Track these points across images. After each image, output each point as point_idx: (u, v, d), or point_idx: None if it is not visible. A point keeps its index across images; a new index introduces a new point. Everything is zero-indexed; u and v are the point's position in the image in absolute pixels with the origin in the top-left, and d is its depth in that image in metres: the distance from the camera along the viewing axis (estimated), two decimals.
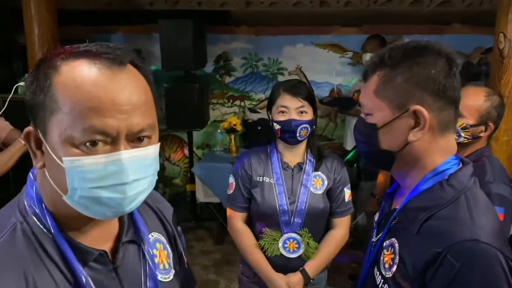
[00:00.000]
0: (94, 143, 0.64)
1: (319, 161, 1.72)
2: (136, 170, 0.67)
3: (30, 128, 0.69)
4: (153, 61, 4.36)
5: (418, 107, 0.84)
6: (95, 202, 0.67)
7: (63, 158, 0.64)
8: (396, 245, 0.89)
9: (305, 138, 1.68)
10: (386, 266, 0.89)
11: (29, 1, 2.78)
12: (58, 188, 0.68)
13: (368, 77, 0.92)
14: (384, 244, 0.93)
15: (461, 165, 0.91)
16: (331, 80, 4.16)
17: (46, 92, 0.65)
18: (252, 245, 1.72)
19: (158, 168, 0.73)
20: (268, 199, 1.68)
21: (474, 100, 1.58)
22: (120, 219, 0.81)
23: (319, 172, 1.71)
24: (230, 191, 1.79)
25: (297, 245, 1.68)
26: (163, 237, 0.90)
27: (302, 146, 1.73)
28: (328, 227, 1.77)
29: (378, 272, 0.92)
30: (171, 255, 0.90)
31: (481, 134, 1.61)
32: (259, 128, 4.08)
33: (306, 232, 1.67)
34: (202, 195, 3.83)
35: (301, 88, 1.65)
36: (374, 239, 1.02)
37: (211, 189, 3.68)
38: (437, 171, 0.89)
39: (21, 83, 2.04)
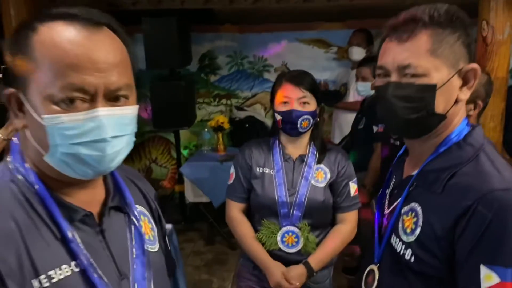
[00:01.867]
0: (72, 101, 0.66)
1: (322, 154, 1.69)
2: (114, 127, 0.69)
3: (11, 89, 0.70)
4: (136, 62, 4.31)
5: (475, 65, 0.86)
6: (75, 159, 0.69)
7: (44, 116, 0.66)
8: (418, 208, 0.88)
9: (307, 129, 1.65)
10: (408, 231, 0.89)
11: (8, 3, 2.72)
12: (40, 146, 0.70)
13: (410, 36, 0.86)
14: (402, 210, 0.93)
15: (471, 127, 0.92)
16: (316, 75, 4.14)
17: (25, 53, 0.67)
18: (249, 233, 1.70)
19: (135, 129, 0.75)
20: (267, 190, 1.65)
21: None
22: (106, 186, 0.82)
23: (321, 165, 1.68)
24: (230, 181, 1.76)
25: (296, 239, 1.64)
26: (147, 211, 0.91)
27: (305, 138, 1.70)
28: (333, 222, 1.73)
29: (397, 240, 0.92)
30: (155, 230, 0.91)
31: (470, 113, 1.63)
32: (247, 126, 4.06)
33: (305, 225, 1.64)
34: (192, 195, 3.78)
35: (304, 78, 1.62)
36: (387, 211, 1.01)
37: (201, 188, 3.64)
38: (456, 133, 0.90)
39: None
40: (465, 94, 0.89)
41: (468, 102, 1.60)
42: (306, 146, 1.70)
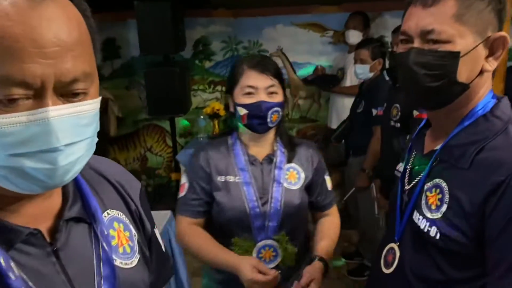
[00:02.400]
0: (12, 100, 0.49)
1: (292, 151, 1.47)
2: (69, 131, 0.53)
3: None
4: (129, 49, 4.25)
5: (504, 33, 0.82)
6: (17, 174, 0.52)
7: None
8: (443, 184, 0.85)
9: (276, 124, 1.41)
10: (433, 207, 0.86)
11: None
12: None
13: (435, 1, 0.83)
14: (425, 187, 0.89)
15: (496, 100, 0.89)
16: (312, 60, 4.12)
17: None
18: (207, 240, 1.40)
19: (98, 128, 0.59)
20: (235, 202, 1.38)
21: None
22: (64, 192, 0.65)
23: (292, 164, 1.46)
24: (182, 193, 1.44)
25: (274, 253, 1.42)
26: (123, 216, 0.74)
27: (271, 134, 1.46)
28: (306, 229, 1.55)
29: (420, 217, 0.88)
30: (135, 237, 0.74)
31: None
32: None
33: (283, 236, 1.41)
34: None
35: (269, 64, 1.39)
36: (407, 187, 0.97)
37: None
38: (481, 105, 0.87)
39: None
40: (491, 65, 0.85)
41: None
42: (272, 144, 1.46)
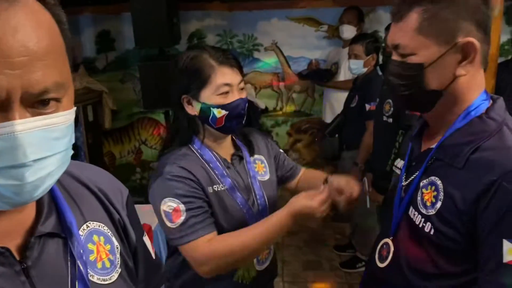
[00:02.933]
0: None
1: (249, 142, 1.40)
2: (38, 146, 0.49)
3: None
4: (124, 42, 4.24)
5: (470, 39, 0.83)
6: None
7: None
8: (438, 182, 0.88)
9: None
10: (428, 204, 0.89)
11: None
12: None
13: (402, 16, 0.88)
14: (421, 184, 0.92)
15: (491, 101, 0.91)
16: (307, 54, 4.14)
17: None
18: (237, 234, 1.21)
19: (73, 141, 0.56)
20: (231, 211, 1.27)
21: None
22: (38, 204, 0.61)
23: (255, 156, 1.39)
24: (178, 220, 1.17)
25: (267, 250, 1.36)
26: (105, 228, 0.70)
27: None
28: None
29: (416, 213, 0.92)
30: (117, 250, 0.70)
31: None
32: None
33: None
34: None
35: (234, 57, 1.27)
36: (404, 183, 1.00)
37: None
38: (474, 106, 0.89)
39: None
40: (465, 69, 0.86)
41: None
42: (231, 142, 1.37)
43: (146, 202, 1.34)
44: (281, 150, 1.53)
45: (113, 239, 0.70)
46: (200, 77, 1.21)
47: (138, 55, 3.97)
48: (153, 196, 1.23)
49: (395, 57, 0.91)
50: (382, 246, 1.03)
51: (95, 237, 0.67)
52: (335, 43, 3.99)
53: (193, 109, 1.25)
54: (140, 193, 4.75)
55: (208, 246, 1.17)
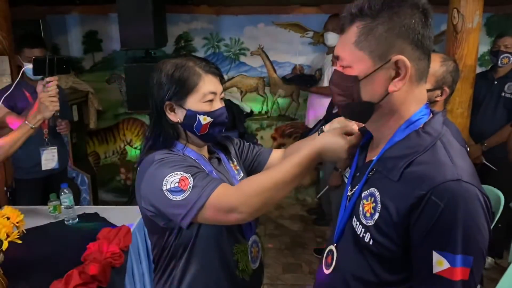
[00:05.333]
0: None
1: (223, 145, 1.44)
2: None
3: None
4: (111, 42, 4.25)
5: (400, 57, 0.85)
6: None
7: None
8: (377, 193, 0.90)
9: None
10: (367, 215, 0.91)
11: None
12: None
13: (345, 29, 0.91)
14: (363, 194, 0.95)
15: (431, 115, 0.94)
16: (292, 60, 4.20)
17: None
18: (267, 172, 1.16)
19: None
20: None
21: (430, 65, 1.66)
22: None
23: (231, 156, 1.45)
24: (189, 185, 1.11)
25: (257, 249, 1.38)
26: None
27: None
28: None
29: (358, 223, 0.94)
30: None
31: (437, 99, 1.69)
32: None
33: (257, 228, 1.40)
34: None
35: (216, 67, 1.28)
36: (349, 193, 1.03)
37: None
38: (412, 121, 0.91)
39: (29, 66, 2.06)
40: (396, 86, 0.87)
41: (435, 88, 1.66)
42: (206, 148, 1.37)
43: (130, 202, 1.37)
44: (246, 142, 1.53)
45: None
46: (187, 85, 1.21)
47: (125, 56, 3.97)
48: (150, 185, 1.17)
49: (337, 67, 0.95)
50: (327, 252, 1.06)
51: None
52: (320, 49, 4.06)
53: (176, 116, 1.25)
54: (124, 194, 4.79)
55: (236, 189, 1.12)
